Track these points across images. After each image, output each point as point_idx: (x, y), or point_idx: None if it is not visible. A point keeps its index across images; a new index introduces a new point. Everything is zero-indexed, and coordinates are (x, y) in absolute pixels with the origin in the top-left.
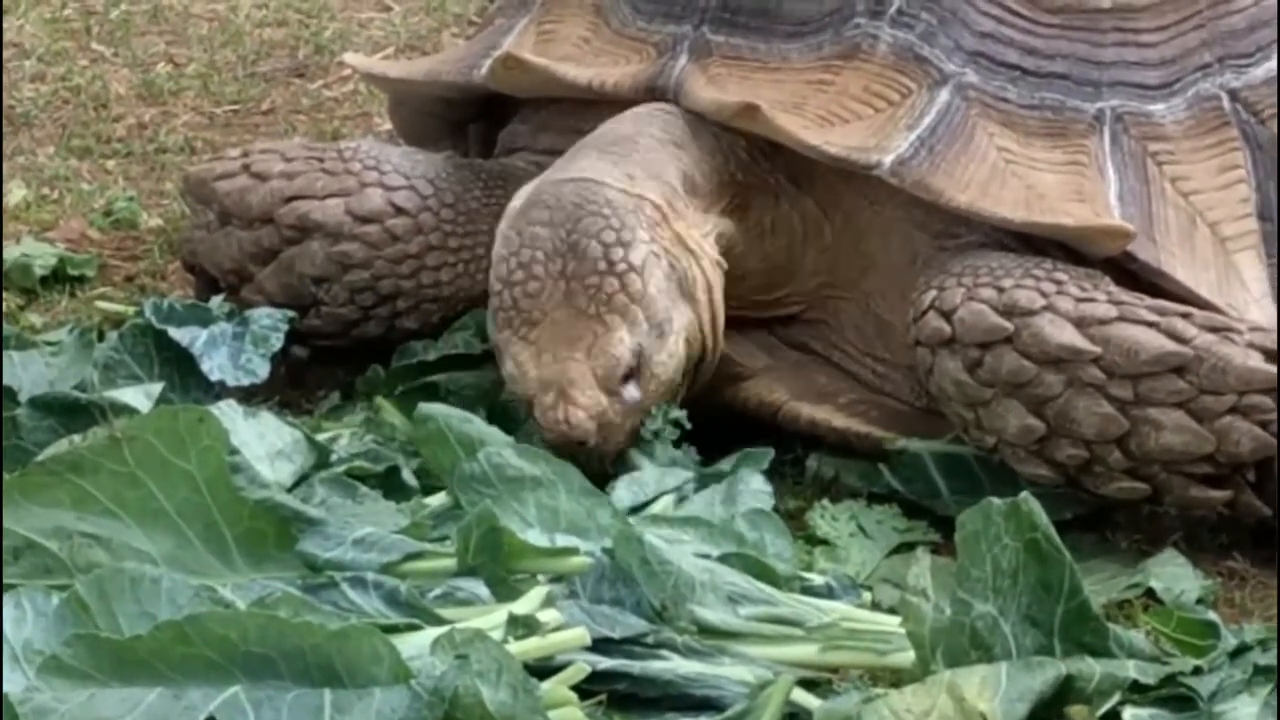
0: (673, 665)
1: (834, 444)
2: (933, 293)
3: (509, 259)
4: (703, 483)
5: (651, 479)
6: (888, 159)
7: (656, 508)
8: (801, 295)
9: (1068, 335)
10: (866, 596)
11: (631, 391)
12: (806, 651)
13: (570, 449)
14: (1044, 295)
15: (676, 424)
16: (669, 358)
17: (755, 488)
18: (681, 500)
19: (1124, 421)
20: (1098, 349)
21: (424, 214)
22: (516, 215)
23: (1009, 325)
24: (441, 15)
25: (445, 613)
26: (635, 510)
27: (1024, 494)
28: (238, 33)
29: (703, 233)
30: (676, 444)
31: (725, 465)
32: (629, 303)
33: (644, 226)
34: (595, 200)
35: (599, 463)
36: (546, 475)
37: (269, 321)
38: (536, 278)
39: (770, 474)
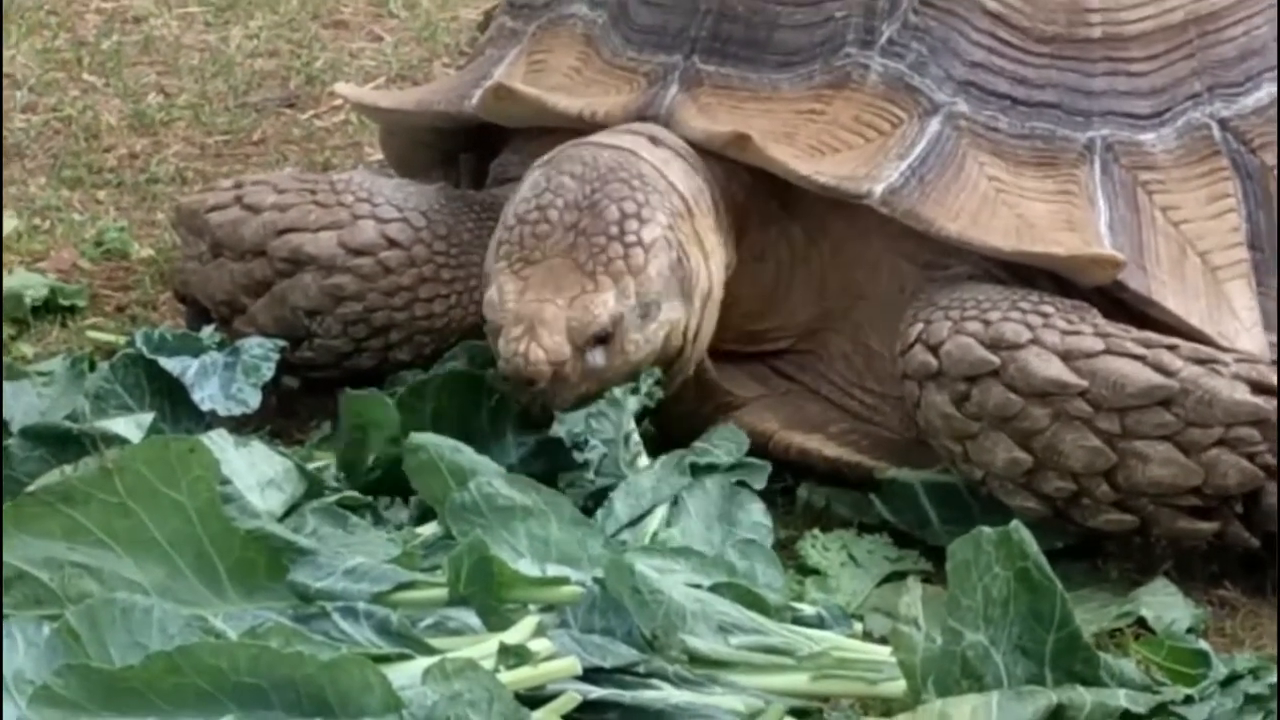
0: (664, 694)
1: (825, 473)
2: (919, 326)
3: (530, 199)
4: (696, 476)
5: (648, 485)
6: (878, 188)
7: (654, 521)
8: (791, 328)
9: (1054, 369)
10: (858, 626)
11: (597, 357)
12: (798, 681)
13: (519, 389)
14: (1030, 328)
15: (649, 399)
16: (645, 341)
17: (755, 519)
18: (677, 507)
19: (1111, 454)
20: (1084, 382)
21: (417, 246)
22: (547, 164)
23: (995, 359)
24: (432, 45)
25: (436, 642)
26: (633, 523)
27: (1015, 523)
28: (229, 63)
29: (719, 240)
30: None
31: (720, 456)
32: (626, 272)
33: (665, 211)
34: (629, 170)
35: (540, 411)
36: (538, 505)
37: (260, 351)
38: (549, 221)
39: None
